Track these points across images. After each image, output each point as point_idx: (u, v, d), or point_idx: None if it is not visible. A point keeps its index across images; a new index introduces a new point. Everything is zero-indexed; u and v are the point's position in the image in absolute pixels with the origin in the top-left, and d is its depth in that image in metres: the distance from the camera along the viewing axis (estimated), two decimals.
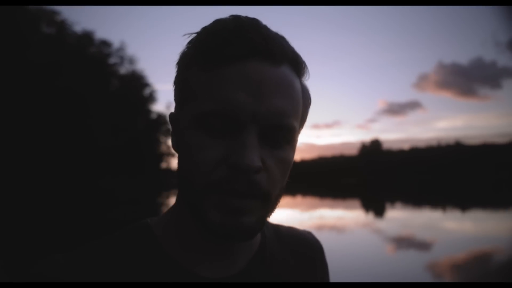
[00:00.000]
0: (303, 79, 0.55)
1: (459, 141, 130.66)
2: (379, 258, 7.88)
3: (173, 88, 0.56)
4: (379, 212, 20.66)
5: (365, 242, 10.40)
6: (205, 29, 0.51)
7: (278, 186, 0.51)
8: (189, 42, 0.52)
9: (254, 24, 0.50)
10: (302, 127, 0.58)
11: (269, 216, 0.52)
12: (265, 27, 0.51)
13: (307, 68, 0.54)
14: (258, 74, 0.48)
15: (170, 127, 0.57)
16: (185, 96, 0.52)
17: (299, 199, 34.45)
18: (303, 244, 0.68)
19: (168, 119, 0.58)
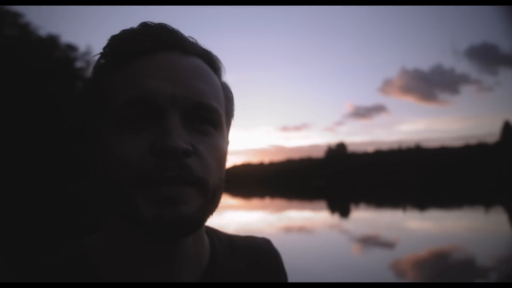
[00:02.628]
0: (220, 75, 0.55)
1: (418, 144, 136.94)
2: (343, 257, 8.34)
3: (86, 110, 0.53)
4: (344, 213, 21.46)
5: (331, 241, 10.90)
6: (111, 36, 0.51)
7: (214, 174, 0.48)
8: (98, 56, 0.51)
9: (160, 24, 0.50)
10: (230, 121, 0.57)
11: (211, 210, 0.49)
12: (174, 28, 0.51)
13: (222, 65, 0.55)
14: (170, 61, 0.48)
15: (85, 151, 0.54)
16: (102, 106, 0.49)
17: (267, 201, 34.97)
18: (258, 254, 0.64)
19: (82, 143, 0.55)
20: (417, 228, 14.05)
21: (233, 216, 19.34)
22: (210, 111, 0.48)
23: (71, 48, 32.52)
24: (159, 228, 0.44)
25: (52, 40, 30.27)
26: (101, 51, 0.51)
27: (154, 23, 0.50)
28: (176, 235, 0.46)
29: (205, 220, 0.48)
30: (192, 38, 0.52)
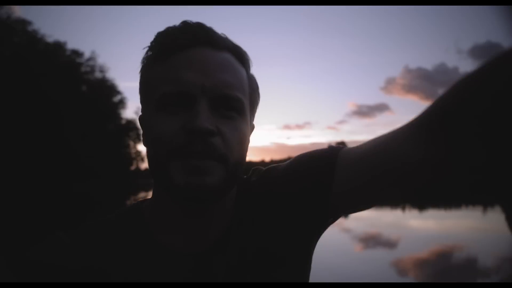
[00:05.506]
0: (248, 68, 0.62)
1: None
2: (342, 254, 8.51)
3: (139, 94, 0.62)
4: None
5: (330, 240, 11.13)
6: (157, 33, 0.59)
7: (235, 152, 0.55)
8: (147, 49, 0.60)
9: (198, 23, 0.58)
10: (255, 109, 0.64)
11: (232, 182, 0.57)
12: (209, 27, 0.59)
13: (249, 59, 0.62)
14: (202, 56, 0.56)
15: (140, 130, 0.62)
16: (149, 93, 0.58)
17: None
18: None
19: (138, 122, 0.64)
20: (416, 228, 14.30)
21: None
22: (234, 101, 0.56)
23: (76, 54, 33.15)
24: (187, 194, 0.53)
25: (58, 47, 31.00)
26: (149, 45, 0.60)
27: (193, 22, 0.59)
28: (202, 200, 0.54)
29: (226, 190, 0.57)
30: (224, 34, 0.60)
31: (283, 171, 0.64)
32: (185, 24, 0.58)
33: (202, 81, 0.54)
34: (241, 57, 0.61)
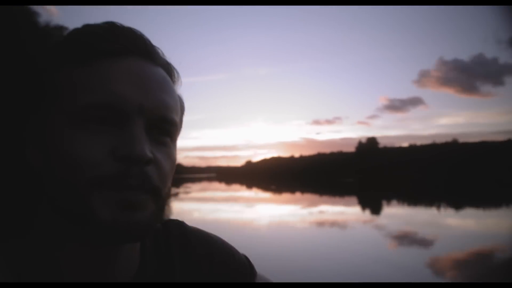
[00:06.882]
0: (177, 87, 0.54)
1: (456, 139, 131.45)
2: (371, 253, 8.41)
3: (22, 96, 0.49)
4: (375, 210, 21.24)
5: (360, 238, 10.95)
6: (75, 29, 0.49)
7: (167, 183, 0.49)
8: (54, 44, 0.49)
9: (129, 27, 0.49)
10: (179, 132, 0.55)
11: (160, 217, 0.50)
12: (143, 35, 0.50)
13: (179, 77, 0.55)
14: (141, 69, 0.47)
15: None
16: (56, 101, 0.46)
17: (298, 195, 35.08)
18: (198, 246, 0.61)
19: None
20: (452, 227, 13.80)
21: (265, 210, 19.77)
22: (171, 125, 0.49)
23: None
24: (113, 232, 0.43)
25: None
26: (59, 40, 0.49)
27: (123, 25, 0.49)
28: (129, 240, 0.46)
29: (155, 224, 0.49)
30: (157, 47, 0.52)
31: (211, 251, 0.62)
32: (114, 26, 0.49)
33: (141, 100, 0.45)
34: (172, 75, 0.53)
